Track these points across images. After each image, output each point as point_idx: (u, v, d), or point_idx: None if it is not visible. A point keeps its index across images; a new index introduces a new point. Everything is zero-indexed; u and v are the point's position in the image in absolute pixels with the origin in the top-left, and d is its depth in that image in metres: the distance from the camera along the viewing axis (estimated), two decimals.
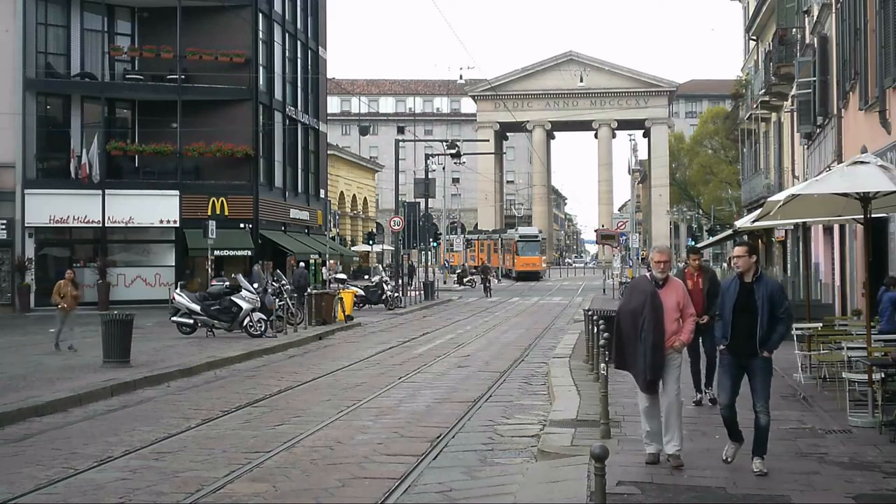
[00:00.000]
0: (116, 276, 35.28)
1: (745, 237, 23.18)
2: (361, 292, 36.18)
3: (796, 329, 13.67)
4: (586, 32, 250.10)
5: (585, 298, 43.17)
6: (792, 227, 27.64)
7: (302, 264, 35.16)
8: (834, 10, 21.17)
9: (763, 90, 34.43)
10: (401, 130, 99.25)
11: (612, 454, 7.40)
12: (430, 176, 49.47)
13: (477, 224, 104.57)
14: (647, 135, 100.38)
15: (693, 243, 60.76)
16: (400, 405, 13.52)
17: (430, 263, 48.88)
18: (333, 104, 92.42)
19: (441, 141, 61.45)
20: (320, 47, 47.08)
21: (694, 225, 78.44)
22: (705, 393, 12.00)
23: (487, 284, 51.22)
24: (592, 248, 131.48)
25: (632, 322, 8.67)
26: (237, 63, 36.55)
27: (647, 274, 9.06)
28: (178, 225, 35.66)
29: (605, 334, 12.13)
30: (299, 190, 43.83)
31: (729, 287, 8.68)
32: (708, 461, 8.80)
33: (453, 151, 49.27)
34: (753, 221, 17.34)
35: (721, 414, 8.61)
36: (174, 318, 23.85)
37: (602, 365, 10.74)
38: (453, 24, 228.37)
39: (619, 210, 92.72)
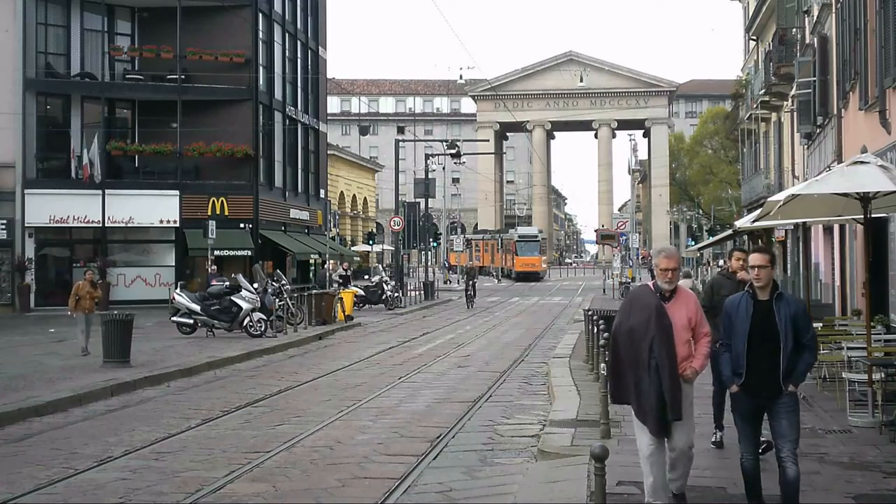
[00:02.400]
0: (116, 276, 35.26)
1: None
2: (361, 292, 36.18)
3: None
4: (586, 32, 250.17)
5: (585, 298, 43.17)
6: (792, 227, 27.62)
7: (328, 265, 35.34)
8: (834, 10, 21.16)
9: (763, 90, 34.42)
10: (401, 130, 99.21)
11: (612, 454, 7.39)
12: (430, 176, 49.45)
13: (477, 224, 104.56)
14: (647, 135, 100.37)
15: (693, 243, 60.76)
16: (400, 405, 13.52)
17: (430, 263, 48.87)
18: (333, 104, 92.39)
19: (441, 141, 61.46)
20: (320, 47, 47.07)
21: (694, 225, 78.40)
22: (714, 434, 9.54)
23: (471, 292, 39.54)
24: (592, 248, 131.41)
25: (633, 344, 6.91)
26: (237, 63, 36.55)
27: (650, 283, 7.21)
28: (178, 225, 35.66)
29: (605, 334, 12.14)
30: (299, 190, 43.82)
31: (738, 306, 6.88)
32: (708, 461, 8.79)
33: (453, 151, 49.28)
34: (753, 221, 17.32)
35: (743, 467, 6.97)
36: (174, 318, 23.85)
37: (602, 365, 10.74)
38: (453, 24, 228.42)
39: (619, 210, 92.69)
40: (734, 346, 6.82)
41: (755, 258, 6.90)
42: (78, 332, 19.35)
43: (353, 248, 60.45)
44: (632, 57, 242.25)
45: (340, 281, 32.26)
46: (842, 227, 20.61)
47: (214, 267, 30.60)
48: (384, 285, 37.52)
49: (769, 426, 6.83)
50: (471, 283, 39.75)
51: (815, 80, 23.30)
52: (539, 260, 69.34)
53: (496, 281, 68.71)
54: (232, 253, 35.23)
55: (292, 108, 42.54)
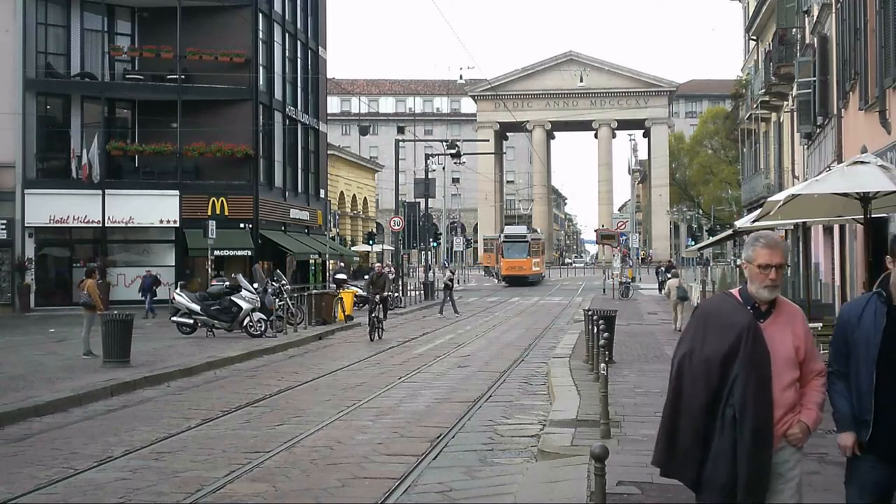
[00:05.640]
0: (116, 276, 35.25)
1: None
2: (361, 292, 36.15)
3: None
4: (586, 32, 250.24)
5: (585, 298, 43.16)
6: (792, 227, 27.63)
7: (342, 265, 35.60)
8: (834, 10, 21.16)
9: (763, 90, 34.43)
10: (401, 130, 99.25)
11: (612, 454, 7.37)
12: (430, 176, 49.47)
13: (477, 224, 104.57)
14: (647, 135, 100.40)
15: (693, 243, 60.72)
16: (400, 405, 13.51)
17: (430, 263, 48.87)
18: (333, 104, 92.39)
19: (441, 141, 61.41)
20: (320, 47, 47.06)
21: (694, 225, 78.45)
22: None
23: (378, 313, 23.93)
24: (592, 248, 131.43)
25: (707, 384, 4.47)
26: (237, 63, 36.54)
27: (735, 291, 4.74)
28: (178, 225, 35.65)
29: (605, 334, 12.16)
30: (299, 190, 43.81)
31: (861, 315, 4.64)
32: None
33: (453, 151, 49.28)
34: (753, 221, 17.34)
35: None
36: (174, 318, 23.86)
37: (602, 365, 10.74)
38: (453, 24, 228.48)
39: (619, 210, 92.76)
40: (859, 378, 4.61)
41: None
42: (85, 332, 18.87)
43: (353, 248, 60.45)
44: (632, 57, 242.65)
45: (345, 278, 32.29)
46: (842, 227, 20.61)
47: (148, 270, 32.62)
48: None
49: None
50: (378, 298, 24.31)
51: (815, 80, 23.32)
52: (529, 262, 62.30)
53: (496, 281, 68.69)
54: (232, 253, 35.23)
55: (292, 108, 42.53)
